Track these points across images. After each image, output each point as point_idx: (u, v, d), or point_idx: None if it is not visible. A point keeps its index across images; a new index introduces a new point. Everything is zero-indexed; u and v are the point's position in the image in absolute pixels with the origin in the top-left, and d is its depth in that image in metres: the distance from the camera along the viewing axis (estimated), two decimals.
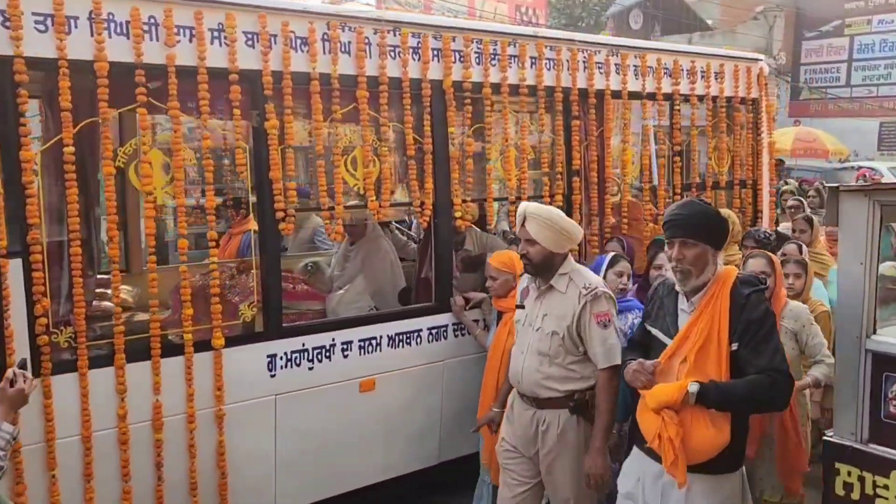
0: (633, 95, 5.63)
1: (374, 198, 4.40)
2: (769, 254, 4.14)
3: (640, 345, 3.37)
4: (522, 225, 3.69)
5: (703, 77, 6.07)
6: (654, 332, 3.25)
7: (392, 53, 4.42)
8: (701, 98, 6.09)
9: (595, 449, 3.54)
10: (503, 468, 3.83)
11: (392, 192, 4.50)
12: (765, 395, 2.97)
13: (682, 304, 3.16)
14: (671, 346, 3.10)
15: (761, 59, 6.57)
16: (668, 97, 5.87)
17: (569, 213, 5.25)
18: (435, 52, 4.60)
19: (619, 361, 3.49)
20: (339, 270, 5.63)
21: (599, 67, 5.42)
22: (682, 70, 5.95)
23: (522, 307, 3.83)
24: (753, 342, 2.99)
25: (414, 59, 4.51)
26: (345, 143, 4.36)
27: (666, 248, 3.17)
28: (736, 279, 3.09)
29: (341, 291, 5.20)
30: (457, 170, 4.74)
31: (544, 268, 3.70)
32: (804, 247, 5.56)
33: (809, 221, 6.38)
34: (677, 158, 5.97)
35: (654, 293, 3.40)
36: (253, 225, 6.59)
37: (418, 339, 4.69)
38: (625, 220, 5.63)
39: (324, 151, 4.24)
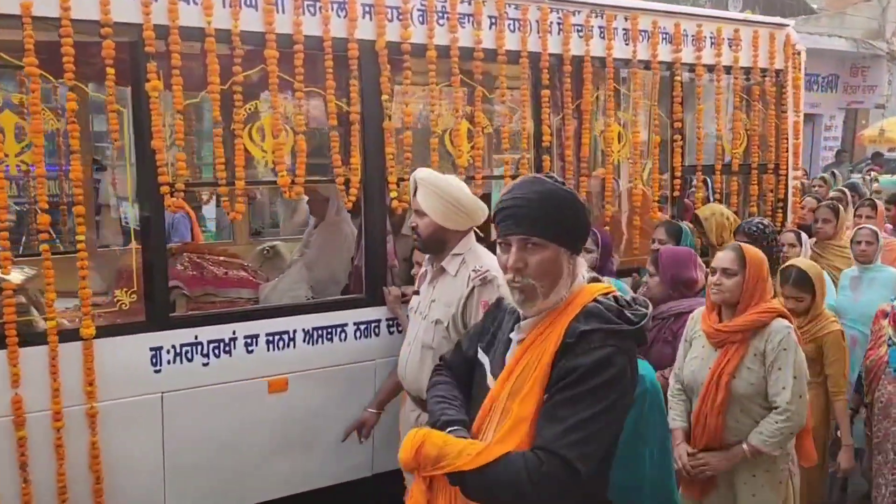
0: (621, 63, 4.90)
1: (284, 173, 3.86)
2: (743, 247, 3.35)
3: (457, 368, 2.29)
4: (414, 194, 3.28)
5: (712, 44, 5.27)
6: (483, 360, 2.19)
7: (311, 8, 3.87)
8: (710, 68, 5.30)
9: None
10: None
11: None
12: (523, 489, 1.82)
13: (516, 330, 2.09)
14: (494, 387, 2.05)
15: (788, 25, 5.69)
16: (668, 66, 5.12)
17: None
18: (366, 8, 4.01)
19: None
20: (299, 255, 5.16)
21: (578, 30, 4.72)
22: (686, 36, 5.16)
23: (418, 293, 3.38)
24: (556, 400, 1.89)
25: (339, 16, 3.94)
26: (249, 110, 3.83)
27: (498, 251, 2.07)
28: (584, 307, 1.98)
29: (275, 280, 4.70)
30: (392, 143, 4.14)
31: (434, 245, 3.30)
32: (803, 236, 4.75)
33: (835, 210, 5.52)
34: (677, 137, 5.19)
35: (497, 304, 2.29)
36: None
37: (343, 335, 4.13)
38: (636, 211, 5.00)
39: (221, 119, 3.72)
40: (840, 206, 5.75)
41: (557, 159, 4.75)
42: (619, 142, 4.98)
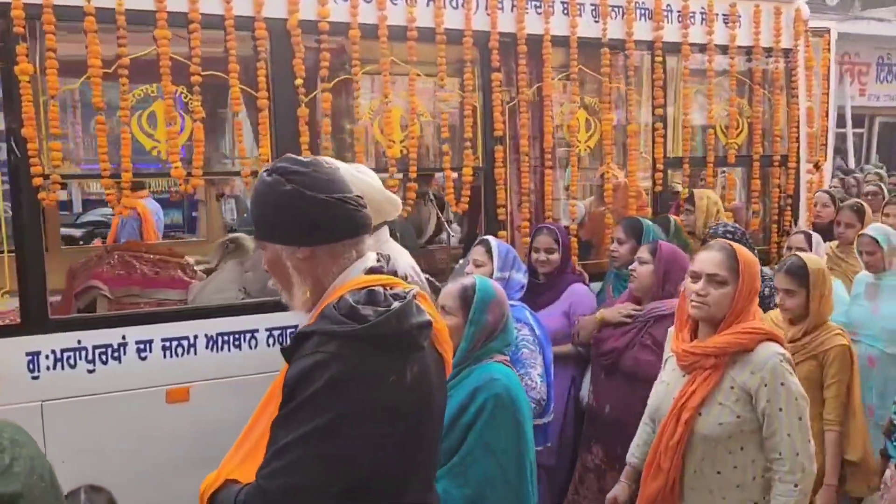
0: (588, 42, 4.38)
1: (178, 164, 3.53)
2: (736, 247, 2.63)
3: None
4: None
5: (703, 21, 4.69)
6: None
7: None
8: (702, 48, 4.71)
9: None
10: None
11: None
12: None
13: None
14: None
15: (797, 1, 5.03)
16: (648, 46, 4.56)
17: (490, 191, 4.17)
18: None
19: None
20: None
21: (536, 6, 4.23)
22: (670, 12, 4.60)
23: None
24: (275, 420, 1.60)
25: None
26: (138, 96, 3.52)
27: None
28: (323, 309, 1.66)
29: (206, 280, 4.39)
30: (307, 132, 3.76)
31: None
32: (815, 237, 4.11)
33: (860, 213, 4.84)
34: (658, 126, 4.62)
35: None
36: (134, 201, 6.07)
37: (253, 342, 3.78)
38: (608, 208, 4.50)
39: (104, 106, 3.42)
40: (866, 206, 5.05)
41: (512, 150, 4.27)
42: (586, 131, 4.45)
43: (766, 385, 2.42)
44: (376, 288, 1.66)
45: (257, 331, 3.78)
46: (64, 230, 7.53)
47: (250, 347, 3.77)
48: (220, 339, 3.71)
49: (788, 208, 5.11)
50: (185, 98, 3.57)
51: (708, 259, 2.56)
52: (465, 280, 2.67)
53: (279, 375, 1.65)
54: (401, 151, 3.98)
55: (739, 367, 2.47)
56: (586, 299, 3.87)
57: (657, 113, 4.60)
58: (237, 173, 3.68)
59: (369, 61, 3.91)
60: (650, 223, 4.06)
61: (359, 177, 2.75)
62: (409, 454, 1.68)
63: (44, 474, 1.49)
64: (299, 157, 1.75)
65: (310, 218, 1.67)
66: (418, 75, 4.02)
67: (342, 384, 1.54)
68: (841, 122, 18.68)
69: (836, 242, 4.96)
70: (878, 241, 4.02)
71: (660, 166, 4.64)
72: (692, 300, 2.55)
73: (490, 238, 3.76)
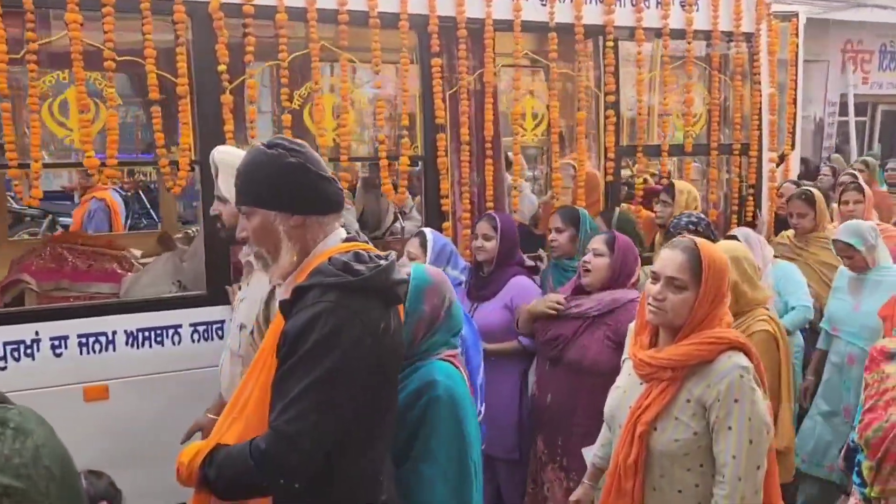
0: (532, 27, 4.22)
1: (91, 154, 3.40)
2: (701, 247, 2.35)
3: None
4: (217, 176, 2.84)
5: (658, 4, 4.52)
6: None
7: None
8: (657, 33, 4.54)
9: None
10: None
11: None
12: (254, 478, 1.71)
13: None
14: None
15: None
16: (598, 30, 4.40)
17: (431, 181, 4.03)
18: None
19: None
20: None
21: None
22: None
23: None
24: (280, 371, 1.76)
25: None
26: (49, 83, 3.39)
27: None
28: (316, 266, 1.87)
29: (139, 273, 4.27)
30: (231, 120, 3.62)
31: None
32: (752, 236, 3.94)
33: (810, 201, 4.63)
34: (610, 114, 4.46)
35: None
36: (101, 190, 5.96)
37: (176, 338, 3.66)
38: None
39: (9, 93, 3.29)
40: (816, 192, 4.85)
41: (453, 139, 4.12)
42: (532, 119, 4.30)
43: (719, 400, 2.19)
44: (360, 251, 1.88)
45: (181, 326, 3.65)
46: None
47: (173, 343, 3.65)
48: (140, 334, 3.59)
49: (751, 198, 4.93)
50: (99, 85, 3.44)
51: (669, 260, 2.29)
52: (402, 271, 2.53)
53: (268, 338, 1.86)
54: (333, 140, 3.84)
55: (697, 378, 2.24)
56: (528, 292, 3.71)
57: (608, 100, 4.44)
58: (155, 163, 3.54)
59: (298, 47, 3.76)
60: (585, 211, 3.92)
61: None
62: (387, 399, 1.90)
63: (52, 465, 1.42)
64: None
65: (308, 189, 1.87)
66: (352, 62, 3.88)
67: (339, 330, 1.71)
68: (843, 110, 18.47)
69: (792, 231, 4.78)
70: (853, 246, 3.80)
71: (611, 155, 4.47)
72: (649, 304, 2.31)
73: (427, 231, 3.62)
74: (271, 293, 2.65)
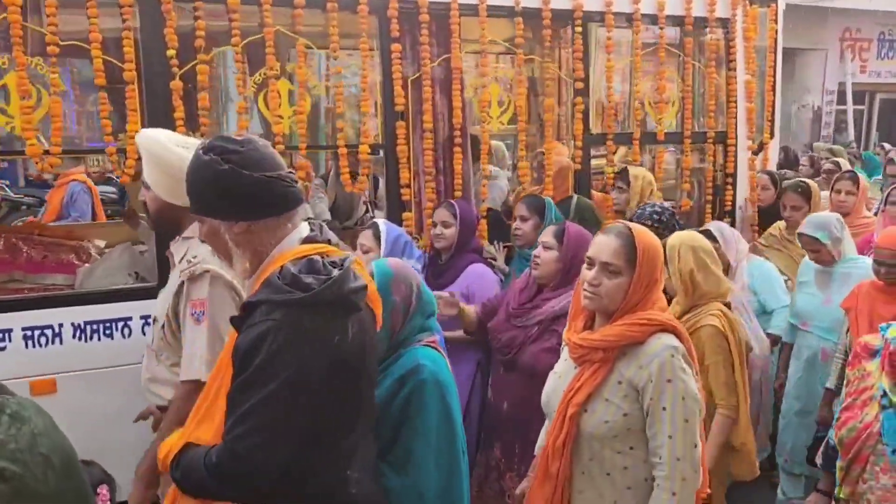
0: (499, 12, 4.11)
1: (34, 142, 3.31)
2: (635, 232, 2.31)
3: None
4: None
5: None
6: None
7: None
8: (628, 18, 4.43)
9: (137, 478, 2.52)
10: None
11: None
12: (209, 486, 1.74)
13: None
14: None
15: None
16: (567, 15, 4.28)
17: (392, 167, 3.93)
18: None
19: (199, 377, 2.43)
20: None
21: None
22: None
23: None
24: (232, 385, 1.75)
25: None
26: None
27: None
28: (267, 278, 1.79)
29: (94, 264, 4.18)
30: (181, 107, 3.52)
31: (165, 225, 2.78)
32: (726, 230, 3.83)
33: (806, 194, 4.54)
34: (578, 101, 4.35)
35: None
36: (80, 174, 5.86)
37: (126, 330, 3.57)
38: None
39: None
40: (812, 185, 4.75)
41: (416, 127, 4.01)
42: (499, 106, 4.19)
43: (651, 381, 2.17)
44: (315, 257, 1.78)
45: (131, 318, 3.57)
46: None
47: (123, 336, 3.56)
48: (88, 327, 3.50)
49: (728, 188, 4.83)
50: (42, 70, 3.34)
51: (604, 245, 2.27)
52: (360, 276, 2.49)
53: (229, 344, 1.81)
54: (290, 127, 3.74)
55: (628, 360, 2.22)
56: (485, 280, 3.62)
57: (577, 87, 4.33)
58: (102, 151, 3.44)
59: (253, 31, 3.65)
60: (551, 200, 3.82)
61: (177, 151, 2.52)
62: (353, 400, 1.86)
63: (51, 455, 1.34)
64: (234, 136, 1.83)
65: (245, 195, 1.78)
66: (309, 47, 3.77)
67: (291, 348, 1.68)
68: (842, 98, 18.33)
69: (784, 223, 4.67)
70: (819, 240, 3.68)
71: (580, 143, 4.37)
72: (584, 289, 2.29)
73: (381, 221, 3.53)
74: (180, 286, 2.58)
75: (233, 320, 1.81)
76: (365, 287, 1.84)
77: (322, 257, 1.80)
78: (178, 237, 2.75)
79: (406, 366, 2.29)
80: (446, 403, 2.31)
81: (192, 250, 2.62)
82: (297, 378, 1.69)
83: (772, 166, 5.28)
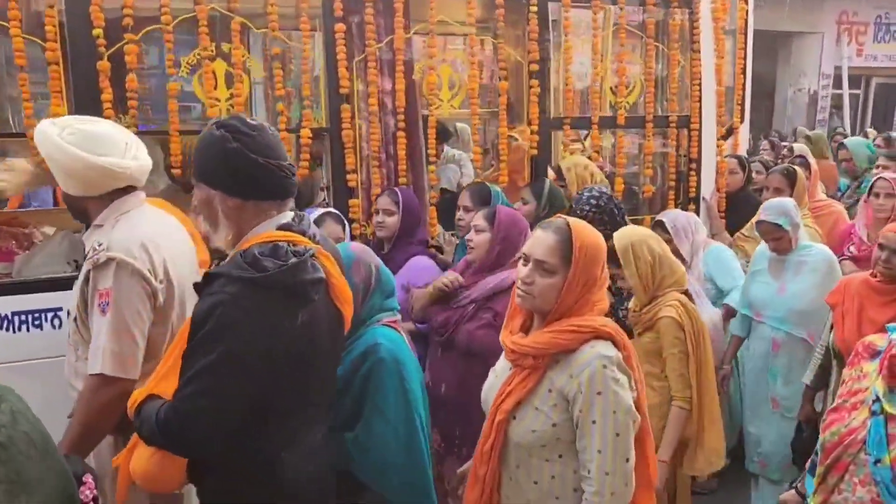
0: None
1: None
2: (573, 227, 2.16)
3: None
4: None
5: None
6: None
7: None
8: None
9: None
10: None
11: None
12: (158, 440, 1.91)
13: None
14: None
15: None
16: None
17: (336, 152, 3.81)
18: None
19: (103, 371, 2.31)
20: None
21: None
22: None
23: None
24: (186, 350, 1.89)
25: None
26: None
27: None
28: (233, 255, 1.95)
29: (32, 251, 4.05)
30: (109, 89, 3.37)
31: (77, 214, 2.63)
32: (680, 219, 3.69)
33: (791, 178, 4.41)
34: (534, 83, 4.20)
35: None
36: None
37: (56, 321, 3.43)
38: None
39: None
40: (798, 170, 4.60)
41: (363, 110, 3.87)
42: (449, 89, 4.05)
43: (581, 392, 2.03)
44: (281, 243, 1.88)
45: (60, 309, 3.44)
46: None
47: (53, 327, 3.44)
48: (17, 318, 3.38)
49: (692, 173, 4.69)
50: None
51: (539, 241, 2.12)
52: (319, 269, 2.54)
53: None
54: (227, 110, 3.60)
55: (560, 368, 2.08)
56: (427, 273, 3.50)
57: (532, 69, 4.18)
58: (23, 135, 3.30)
59: (185, 10, 3.51)
60: (498, 189, 3.69)
61: (70, 151, 2.38)
62: (295, 387, 1.95)
63: (31, 433, 1.36)
64: (248, 119, 1.95)
65: (246, 175, 1.91)
66: (246, 26, 3.62)
67: (237, 323, 1.80)
68: (838, 82, 18.14)
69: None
70: (781, 226, 3.52)
71: (535, 128, 4.22)
72: (518, 287, 2.16)
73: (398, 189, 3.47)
74: (85, 279, 2.45)
75: (195, 286, 1.94)
76: (321, 280, 1.93)
77: (289, 244, 1.89)
78: (89, 227, 2.62)
79: (365, 344, 2.41)
80: (404, 381, 2.42)
81: (98, 237, 2.49)
82: (236, 352, 1.80)
83: (741, 151, 5.13)
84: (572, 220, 2.16)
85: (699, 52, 4.60)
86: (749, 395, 3.79)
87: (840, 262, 3.87)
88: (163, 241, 2.49)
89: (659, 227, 3.78)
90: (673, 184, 4.65)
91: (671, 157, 4.64)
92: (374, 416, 2.37)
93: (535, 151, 4.26)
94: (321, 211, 3.33)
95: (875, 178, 4.28)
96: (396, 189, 3.65)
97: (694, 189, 4.70)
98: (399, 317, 2.62)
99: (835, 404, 2.38)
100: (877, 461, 2.12)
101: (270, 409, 1.92)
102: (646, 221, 4.41)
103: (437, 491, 3.20)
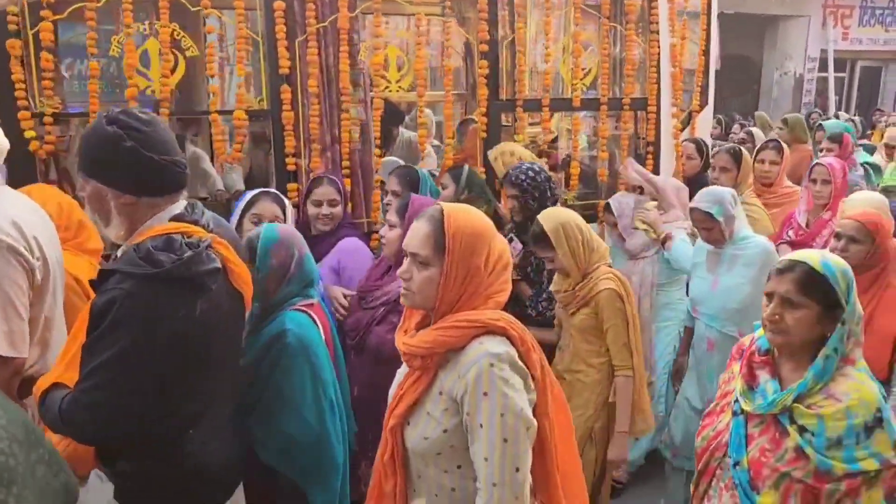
0: None
1: None
2: (447, 212, 1.94)
3: None
4: None
5: None
6: None
7: None
8: None
9: None
10: None
11: None
12: (60, 427, 1.94)
13: None
14: None
15: None
16: None
17: (277, 135, 3.70)
18: None
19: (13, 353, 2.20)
20: None
21: None
22: None
23: None
24: (84, 344, 1.89)
25: None
26: None
27: None
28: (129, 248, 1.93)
29: None
30: (20, 70, 3.23)
31: None
32: (624, 202, 3.60)
33: (737, 158, 4.32)
34: (483, 64, 4.09)
35: None
36: None
37: None
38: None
39: None
40: (744, 150, 4.51)
41: (302, 92, 3.76)
42: (397, 70, 3.94)
43: (467, 393, 1.82)
44: (174, 236, 1.90)
45: None
46: None
47: None
48: None
49: (649, 157, 4.60)
50: None
51: (413, 232, 1.92)
52: (253, 231, 2.62)
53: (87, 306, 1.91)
54: (160, 91, 3.48)
55: (449, 368, 1.88)
56: (356, 254, 3.38)
57: (481, 49, 4.06)
58: None
59: None
60: (426, 173, 3.58)
61: None
62: (197, 371, 1.99)
63: (9, 426, 1.33)
64: (139, 114, 1.91)
65: (142, 174, 1.90)
66: (181, 3, 3.49)
67: (134, 318, 1.81)
68: (823, 66, 18.06)
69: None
70: (713, 216, 3.33)
71: (484, 110, 4.11)
72: (402, 286, 2.01)
73: (335, 177, 3.34)
74: None
75: (91, 283, 1.93)
76: (218, 269, 1.95)
77: (182, 236, 1.91)
78: None
79: (273, 331, 2.44)
80: (312, 363, 2.44)
81: None
82: (136, 345, 1.82)
83: (704, 136, 5.03)
84: (448, 206, 1.96)
85: (657, 32, 4.49)
86: (687, 391, 3.56)
87: (777, 246, 3.77)
88: (29, 220, 2.37)
89: (607, 210, 3.70)
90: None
91: (623, 139, 4.52)
92: (279, 399, 2.41)
93: (484, 134, 4.15)
94: (258, 190, 3.21)
95: (813, 163, 4.18)
96: (335, 177, 3.52)
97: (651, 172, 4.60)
98: (317, 301, 2.60)
99: (709, 408, 2.30)
100: (735, 464, 2.05)
101: (173, 393, 1.96)
102: (601, 206, 4.32)
103: (355, 492, 3.13)
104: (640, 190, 4.03)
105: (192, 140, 4.93)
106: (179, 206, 2.00)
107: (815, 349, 2.01)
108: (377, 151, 3.99)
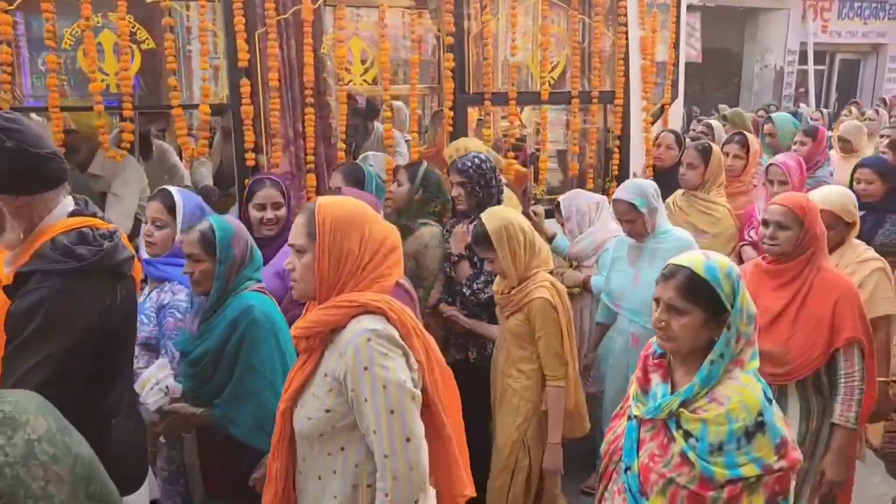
0: None
1: None
2: (319, 201, 2.04)
3: None
4: None
5: None
6: None
7: None
8: None
9: None
10: None
11: None
12: None
13: None
14: None
15: None
16: None
17: (237, 130, 3.64)
18: None
19: None
20: None
21: None
22: None
23: None
24: (7, 350, 1.85)
25: None
26: None
27: None
28: (39, 247, 1.90)
29: None
30: None
31: None
32: (578, 200, 3.57)
33: (705, 154, 4.23)
34: (449, 56, 4.04)
35: None
36: None
37: None
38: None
39: None
40: (714, 147, 4.46)
41: (263, 86, 3.69)
42: (361, 63, 3.89)
43: (349, 371, 1.88)
44: (85, 229, 1.92)
45: None
46: None
47: None
48: None
49: (617, 151, 4.57)
50: None
51: (293, 226, 2.02)
52: (199, 225, 2.60)
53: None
54: (117, 85, 3.42)
55: (332, 348, 1.94)
56: None
57: (446, 42, 4.02)
58: None
59: None
60: (371, 170, 3.53)
61: None
62: (120, 355, 2.08)
63: (53, 462, 1.21)
64: (7, 113, 1.88)
65: (31, 171, 1.87)
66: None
67: (67, 313, 1.84)
68: (803, 58, 18.15)
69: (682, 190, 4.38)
70: (636, 207, 3.27)
71: (450, 103, 4.07)
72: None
73: (173, 189, 2.96)
74: None
75: (5, 289, 1.90)
76: (132, 257, 2.03)
77: (92, 230, 1.94)
78: None
79: (238, 308, 2.50)
80: (277, 338, 2.52)
81: None
82: (73, 339, 1.85)
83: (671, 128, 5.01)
84: (324, 199, 2.03)
85: (626, 25, 4.46)
86: (612, 393, 3.48)
87: (740, 248, 3.74)
88: None
89: (556, 209, 3.68)
90: (591, 161, 4.51)
91: (591, 133, 4.49)
92: (252, 374, 2.47)
93: (450, 128, 4.11)
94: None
95: (768, 164, 4.13)
96: (278, 178, 3.39)
97: (617, 166, 4.59)
98: (263, 284, 2.68)
99: (616, 410, 2.29)
100: (627, 468, 2.03)
101: (101, 385, 2.02)
102: None
103: None
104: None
105: (157, 135, 4.85)
106: (70, 202, 1.98)
107: (705, 353, 1.96)
108: (342, 146, 3.93)
